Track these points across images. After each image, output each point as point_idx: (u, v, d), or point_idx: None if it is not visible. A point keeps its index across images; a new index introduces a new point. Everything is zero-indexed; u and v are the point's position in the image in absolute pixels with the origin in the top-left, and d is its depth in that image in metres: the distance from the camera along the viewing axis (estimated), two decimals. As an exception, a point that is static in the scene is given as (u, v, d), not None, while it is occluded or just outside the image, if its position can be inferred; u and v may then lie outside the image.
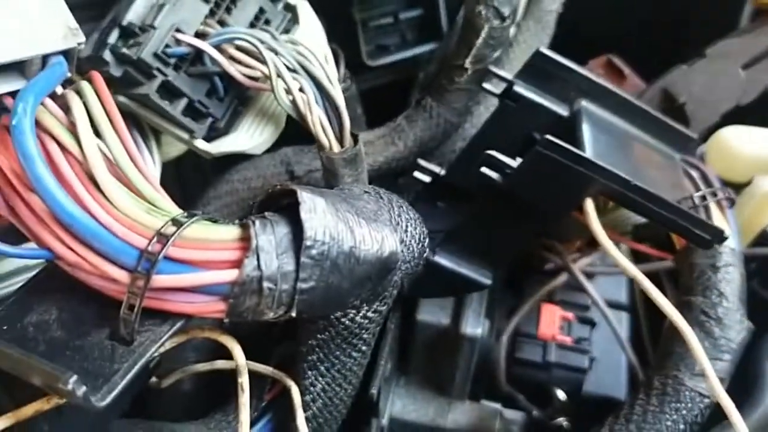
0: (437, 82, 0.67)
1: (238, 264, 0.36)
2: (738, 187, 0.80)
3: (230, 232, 0.37)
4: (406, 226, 0.44)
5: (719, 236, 0.52)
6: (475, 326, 0.65)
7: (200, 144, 0.58)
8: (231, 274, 0.36)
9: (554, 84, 0.55)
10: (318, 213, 0.37)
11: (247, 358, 0.53)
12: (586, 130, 0.53)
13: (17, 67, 0.44)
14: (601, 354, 0.75)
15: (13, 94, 0.42)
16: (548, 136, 0.47)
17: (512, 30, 0.68)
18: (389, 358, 0.63)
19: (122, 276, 0.36)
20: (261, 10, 0.59)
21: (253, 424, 0.55)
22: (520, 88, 0.55)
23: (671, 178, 0.56)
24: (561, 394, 0.72)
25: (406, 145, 0.67)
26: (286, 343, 0.56)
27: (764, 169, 0.80)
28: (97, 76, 0.42)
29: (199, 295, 0.37)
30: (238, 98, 0.59)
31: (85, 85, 0.41)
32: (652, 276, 0.79)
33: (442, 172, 0.63)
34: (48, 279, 0.40)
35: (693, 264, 0.58)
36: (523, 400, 0.72)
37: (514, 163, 0.49)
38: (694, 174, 0.59)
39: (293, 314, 0.38)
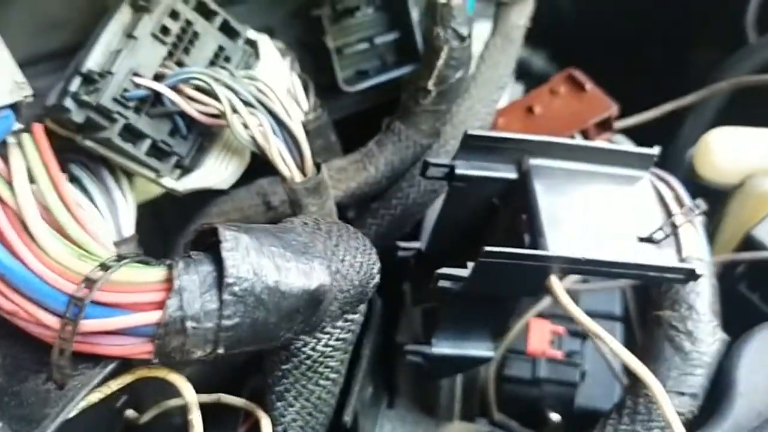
0: (404, 106, 0.67)
1: (162, 305, 0.37)
2: (725, 190, 0.78)
3: (156, 273, 0.38)
4: (343, 256, 0.44)
5: (692, 276, 0.50)
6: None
7: (167, 182, 0.58)
8: (154, 316, 0.37)
9: (496, 152, 0.54)
10: (240, 250, 0.38)
11: (222, 390, 0.54)
12: (537, 188, 0.53)
13: (-35, 122, 0.46)
14: (593, 366, 0.74)
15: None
16: (487, 248, 0.47)
17: (478, 47, 0.68)
18: (368, 382, 0.63)
19: (53, 322, 0.37)
20: (220, 48, 0.59)
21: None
22: (461, 170, 0.55)
23: (638, 208, 0.55)
24: (555, 416, 0.71)
25: (377, 169, 0.67)
26: (259, 375, 0.56)
27: (754, 170, 0.78)
28: (37, 128, 0.43)
29: (126, 338, 0.37)
30: (202, 135, 0.60)
31: (25, 137, 0.42)
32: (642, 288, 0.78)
33: (423, 247, 0.63)
34: (-3, 326, 0.41)
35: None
36: (517, 426, 0.71)
37: (466, 272, 0.49)
38: (664, 190, 0.57)
39: (221, 351, 0.38)
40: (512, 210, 0.55)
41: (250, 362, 0.58)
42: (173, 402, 0.52)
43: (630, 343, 0.75)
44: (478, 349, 0.59)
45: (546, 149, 0.55)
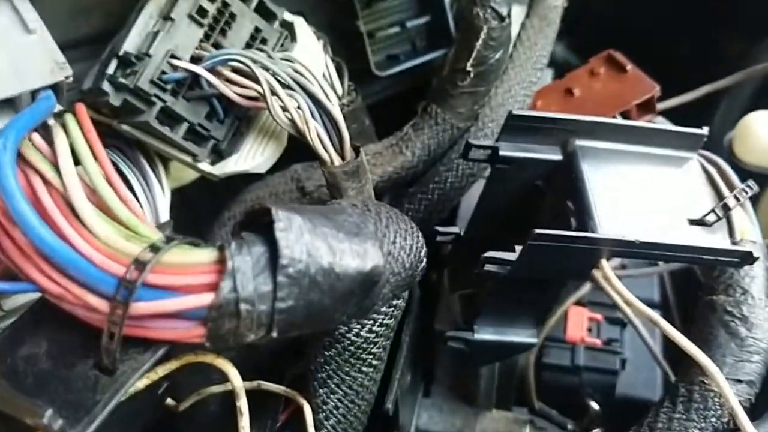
0: (441, 88, 0.65)
1: (215, 287, 0.35)
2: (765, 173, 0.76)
3: (207, 255, 0.37)
4: (395, 238, 0.42)
5: (749, 259, 0.49)
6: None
7: (204, 166, 0.58)
8: (207, 298, 0.35)
9: (540, 134, 0.53)
10: (294, 231, 0.36)
11: (262, 378, 0.53)
12: (585, 169, 0.51)
13: (10, 104, 0.45)
14: (634, 354, 0.72)
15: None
16: (537, 231, 0.46)
17: (516, 28, 0.66)
18: (407, 370, 0.62)
19: (102, 305, 0.36)
20: (257, 30, 0.58)
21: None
22: (505, 151, 0.53)
23: (687, 190, 0.54)
24: (594, 405, 0.70)
25: (414, 154, 0.66)
26: (300, 362, 0.55)
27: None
28: (80, 107, 0.42)
29: (178, 321, 0.36)
30: (239, 119, 0.58)
31: (69, 117, 0.41)
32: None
33: (462, 232, 0.62)
34: (39, 312, 0.40)
35: (714, 261, 0.55)
36: (557, 416, 0.70)
37: (513, 256, 0.48)
38: (713, 172, 0.55)
39: (274, 335, 0.37)
40: (557, 192, 0.54)
41: (287, 348, 0.57)
42: (212, 389, 0.52)
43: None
44: (521, 335, 0.57)
45: (592, 130, 0.53)
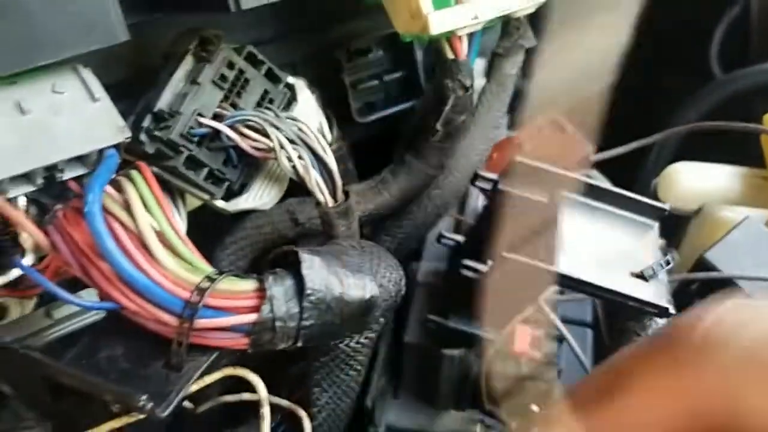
0: (416, 141, 0.80)
1: (256, 309, 0.50)
2: (685, 215, 0.94)
3: (250, 284, 0.51)
4: (384, 273, 0.58)
5: (666, 313, 0.63)
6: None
7: (219, 203, 0.71)
8: (251, 317, 0.50)
9: (533, 178, 0.67)
10: (315, 268, 0.51)
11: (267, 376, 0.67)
12: (563, 214, 0.65)
13: (80, 160, 0.58)
14: (568, 366, 0.88)
15: (75, 179, 0.56)
16: (505, 254, 0.61)
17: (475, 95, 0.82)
18: (382, 375, 0.77)
19: (172, 320, 0.50)
20: (265, 92, 0.72)
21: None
22: (503, 186, 0.67)
23: (640, 249, 0.67)
24: (535, 408, 0.85)
25: (391, 194, 0.80)
26: (298, 365, 0.70)
27: (710, 199, 0.94)
28: (144, 167, 0.56)
29: (229, 333, 0.50)
30: (249, 165, 0.72)
31: (135, 174, 0.55)
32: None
33: (462, 240, 0.77)
34: (111, 324, 0.53)
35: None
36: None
37: (486, 267, 0.64)
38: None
39: (299, 344, 0.51)
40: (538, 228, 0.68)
41: (288, 355, 0.71)
42: (226, 398, 0.65)
43: (598, 347, 0.90)
44: (483, 329, 0.72)
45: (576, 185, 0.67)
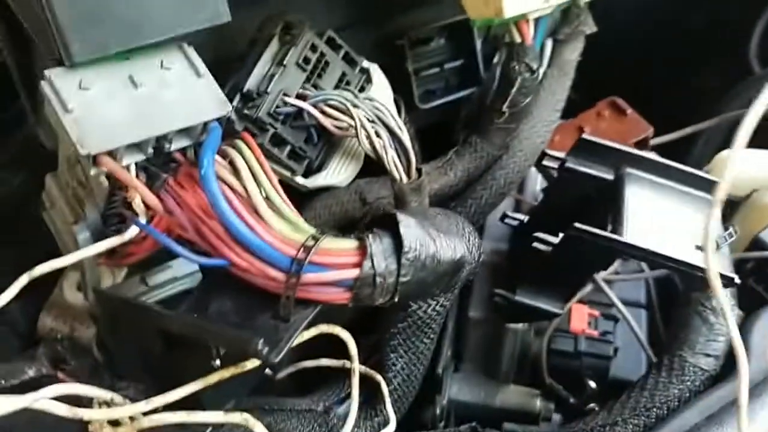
0: (481, 123, 0.84)
1: (358, 265, 0.54)
2: (735, 200, 0.97)
3: (351, 243, 0.56)
4: (470, 237, 0.62)
5: (731, 282, 0.66)
6: (517, 322, 0.83)
7: (299, 180, 0.76)
8: (354, 272, 0.54)
9: (599, 156, 0.71)
10: (411, 228, 0.55)
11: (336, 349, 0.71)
12: (627, 190, 0.69)
13: (186, 132, 0.62)
14: (623, 344, 0.92)
15: (181, 150, 0.61)
16: (577, 224, 0.64)
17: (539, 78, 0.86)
18: (449, 346, 0.81)
19: (280, 276, 0.54)
20: (343, 74, 0.77)
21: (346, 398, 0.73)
22: (571, 164, 0.71)
23: (701, 222, 0.69)
24: (592, 384, 0.89)
25: (456, 175, 0.84)
26: (373, 334, 0.74)
27: (759, 185, 0.97)
28: (249, 138, 0.60)
29: (332, 288, 0.55)
30: (327, 143, 0.77)
31: (242, 144, 0.59)
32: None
33: (525, 219, 0.81)
34: (217, 281, 0.58)
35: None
36: (562, 390, 0.88)
37: (556, 240, 0.67)
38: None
39: (396, 299, 0.56)
40: (603, 204, 0.71)
41: (363, 322, 0.75)
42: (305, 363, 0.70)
43: (651, 326, 0.94)
44: (550, 305, 0.76)
45: (640, 161, 0.71)
